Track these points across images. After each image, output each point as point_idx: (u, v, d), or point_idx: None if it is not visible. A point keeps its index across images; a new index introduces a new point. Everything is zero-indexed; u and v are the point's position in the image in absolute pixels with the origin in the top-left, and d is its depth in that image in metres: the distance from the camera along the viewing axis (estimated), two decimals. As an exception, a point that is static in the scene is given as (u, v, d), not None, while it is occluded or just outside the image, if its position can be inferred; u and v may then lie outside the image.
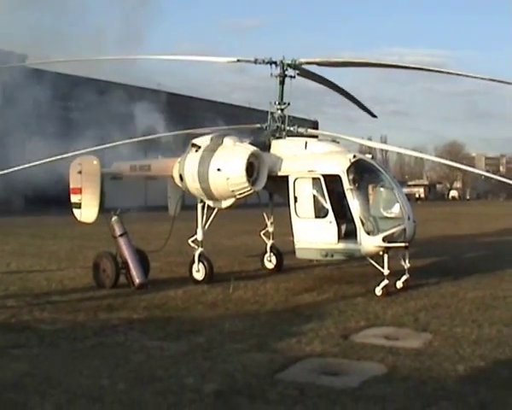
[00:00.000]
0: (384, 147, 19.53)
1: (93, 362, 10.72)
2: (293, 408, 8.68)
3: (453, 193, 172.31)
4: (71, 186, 20.08)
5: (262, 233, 21.67)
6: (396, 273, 17.74)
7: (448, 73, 21.58)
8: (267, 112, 19.36)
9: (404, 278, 17.87)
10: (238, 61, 19.32)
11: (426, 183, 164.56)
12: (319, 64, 19.37)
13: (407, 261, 17.93)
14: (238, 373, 10.11)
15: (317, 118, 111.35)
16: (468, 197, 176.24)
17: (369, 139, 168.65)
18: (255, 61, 18.87)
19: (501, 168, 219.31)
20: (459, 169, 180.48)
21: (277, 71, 18.96)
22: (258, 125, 19.23)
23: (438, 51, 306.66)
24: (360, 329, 13.42)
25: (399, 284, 17.82)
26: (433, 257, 25.54)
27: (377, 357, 11.21)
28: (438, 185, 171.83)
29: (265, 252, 21.72)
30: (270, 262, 21.68)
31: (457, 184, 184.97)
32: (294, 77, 19.24)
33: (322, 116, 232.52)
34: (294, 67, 18.98)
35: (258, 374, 10.11)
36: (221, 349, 11.60)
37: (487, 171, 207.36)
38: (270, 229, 21.43)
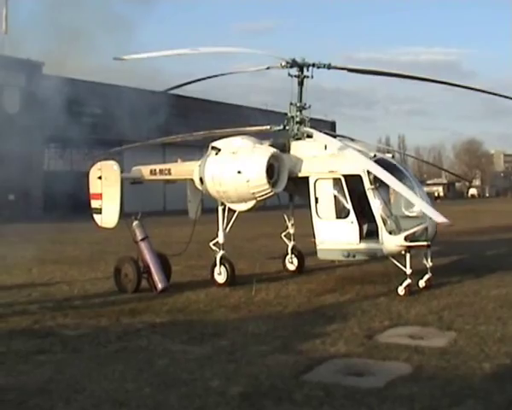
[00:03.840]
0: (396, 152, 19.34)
1: (117, 367, 10.71)
2: (320, 409, 8.63)
3: (472, 191, 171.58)
4: (91, 192, 20.13)
5: (283, 235, 21.62)
6: (418, 272, 17.66)
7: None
8: (285, 114, 19.32)
9: (426, 276, 17.80)
10: (268, 68, 19.27)
11: (445, 181, 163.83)
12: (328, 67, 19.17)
13: (429, 260, 17.87)
14: (263, 375, 10.08)
15: (335, 119, 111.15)
16: (487, 195, 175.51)
17: (387, 139, 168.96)
18: (282, 66, 18.78)
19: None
20: (477, 167, 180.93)
21: (296, 72, 18.85)
22: (279, 128, 19.17)
23: (452, 50, 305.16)
24: (384, 329, 13.36)
25: (422, 283, 17.74)
26: (455, 255, 25.41)
27: (402, 357, 11.16)
28: (457, 184, 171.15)
29: (287, 254, 21.66)
30: (291, 264, 21.61)
31: (476, 182, 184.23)
32: (312, 77, 19.14)
33: (340, 117, 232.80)
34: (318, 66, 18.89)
35: (283, 376, 10.08)
36: (245, 352, 11.57)
37: (506, 168, 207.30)
38: (291, 230, 21.38)
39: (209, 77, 21.25)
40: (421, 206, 16.01)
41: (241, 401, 8.92)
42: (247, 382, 9.77)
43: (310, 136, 18.74)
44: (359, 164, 17.27)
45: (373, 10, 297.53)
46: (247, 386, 9.55)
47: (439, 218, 15.20)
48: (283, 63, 18.67)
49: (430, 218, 17.12)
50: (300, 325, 13.80)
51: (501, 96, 20.08)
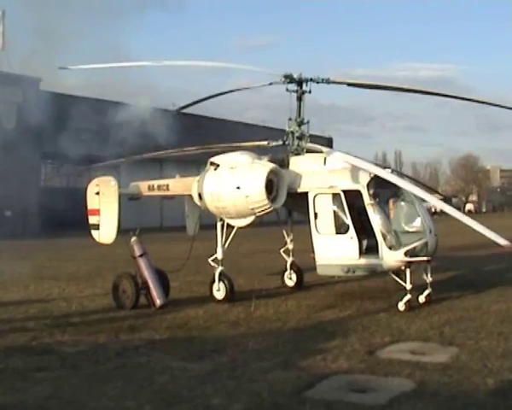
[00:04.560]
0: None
1: (117, 384, 10.60)
2: (323, 426, 8.53)
3: (469, 206, 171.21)
4: (89, 207, 20.08)
5: (282, 251, 21.52)
6: (417, 288, 17.55)
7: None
8: (282, 130, 19.30)
9: (426, 292, 17.71)
10: (271, 84, 19.23)
11: (441, 197, 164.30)
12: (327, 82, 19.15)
13: (429, 275, 17.78)
14: (265, 392, 9.97)
15: (331, 134, 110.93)
16: (484, 210, 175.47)
17: (384, 155, 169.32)
18: (283, 82, 18.78)
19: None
20: (474, 183, 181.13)
21: (295, 87, 18.86)
22: (279, 143, 19.14)
23: (448, 66, 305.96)
24: (385, 344, 13.27)
25: (422, 299, 17.66)
26: (454, 270, 25.31)
27: (405, 372, 11.07)
28: (453, 199, 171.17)
29: (285, 269, 21.55)
30: (290, 280, 21.49)
31: (473, 197, 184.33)
32: (310, 92, 19.13)
33: (337, 133, 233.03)
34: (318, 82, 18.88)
35: (285, 392, 9.98)
36: (246, 368, 11.46)
37: (503, 183, 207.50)
38: (290, 246, 21.27)
39: (218, 94, 21.15)
40: (479, 229, 15.69)
41: (243, 419, 8.81)
42: (248, 399, 9.66)
43: (317, 151, 18.71)
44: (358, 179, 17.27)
45: (369, 26, 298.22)
46: (248, 403, 9.45)
47: (501, 240, 15.03)
48: (282, 79, 18.65)
49: (430, 232, 17.08)
50: (301, 341, 13.70)
51: (501, 106, 19.99)
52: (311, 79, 18.88)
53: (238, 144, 19.98)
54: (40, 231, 53.15)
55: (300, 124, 18.87)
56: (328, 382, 10.69)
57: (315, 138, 19.73)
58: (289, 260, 21.41)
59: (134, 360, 12.21)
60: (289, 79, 18.66)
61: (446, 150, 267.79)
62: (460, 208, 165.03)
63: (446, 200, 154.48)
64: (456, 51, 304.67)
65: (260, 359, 12.13)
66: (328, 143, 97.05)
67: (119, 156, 23.68)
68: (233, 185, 17.70)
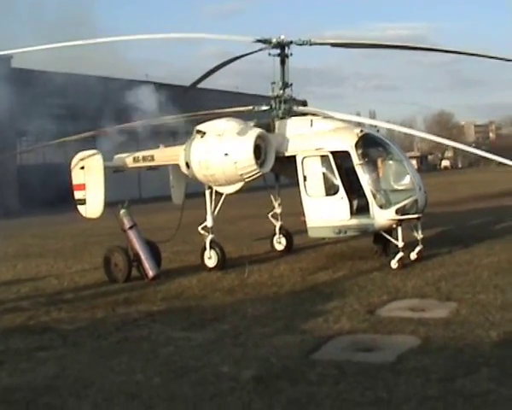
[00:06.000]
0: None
1: (122, 358, 10.53)
2: (337, 387, 8.51)
3: (445, 163, 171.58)
4: (74, 183, 19.91)
5: (270, 215, 21.47)
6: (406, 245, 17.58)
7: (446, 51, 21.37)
8: (255, 95, 19.21)
9: (417, 249, 17.78)
10: (260, 50, 19.03)
11: (417, 154, 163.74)
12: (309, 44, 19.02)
13: (420, 232, 17.83)
14: (273, 357, 9.96)
15: (305, 98, 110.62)
16: (460, 166, 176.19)
17: (358, 115, 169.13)
18: (271, 46, 18.65)
19: (491, 135, 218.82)
20: (449, 139, 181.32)
21: (277, 51, 18.72)
22: (266, 107, 19.03)
23: (418, 24, 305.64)
24: (384, 303, 13.32)
25: (413, 256, 17.72)
26: (440, 227, 25.37)
27: (408, 329, 11.15)
28: (429, 156, 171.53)
29: (274, 234, 21.51)
30: (279, 244, 21.46)
31: (449, 154, 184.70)
32: (291, 54, 19.01)
33: (310, 95, 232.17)
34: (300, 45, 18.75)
35: (292, 356, 9.98)
36: (249, 335, 11.44)
37: (477, 139, 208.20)
38: (278, 210, 21.22)
39: (220, 66, 20.85)
40: None
41: (255, 385, 8.76)
42: (257, 365, 9.63)
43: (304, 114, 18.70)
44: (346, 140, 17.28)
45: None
46: (258, 369, 9.41)
47: None
48: (266, 45, 18.48)
49: (420, 189, 17.11)
50: (299, 304, 13.71)
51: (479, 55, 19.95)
52: (292, 42, 18.74)
53: (222, 111, 19.84)
54: (20, 210, 52.76)
55: (285, 87, 18.78)
56: (334, 343, 10.72)
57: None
58: (278, 224, 21.37)
59: (135, 333, 12.14)
60: (271, 43, 18.52)
61: (421, 108, 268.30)
62: (436, 165, 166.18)
63: (422, 157, 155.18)
64: (426, 8, 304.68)
65: (262, 324, 12.12)
66: (303, 105, 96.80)
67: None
68: (221, 152, 17.58)
